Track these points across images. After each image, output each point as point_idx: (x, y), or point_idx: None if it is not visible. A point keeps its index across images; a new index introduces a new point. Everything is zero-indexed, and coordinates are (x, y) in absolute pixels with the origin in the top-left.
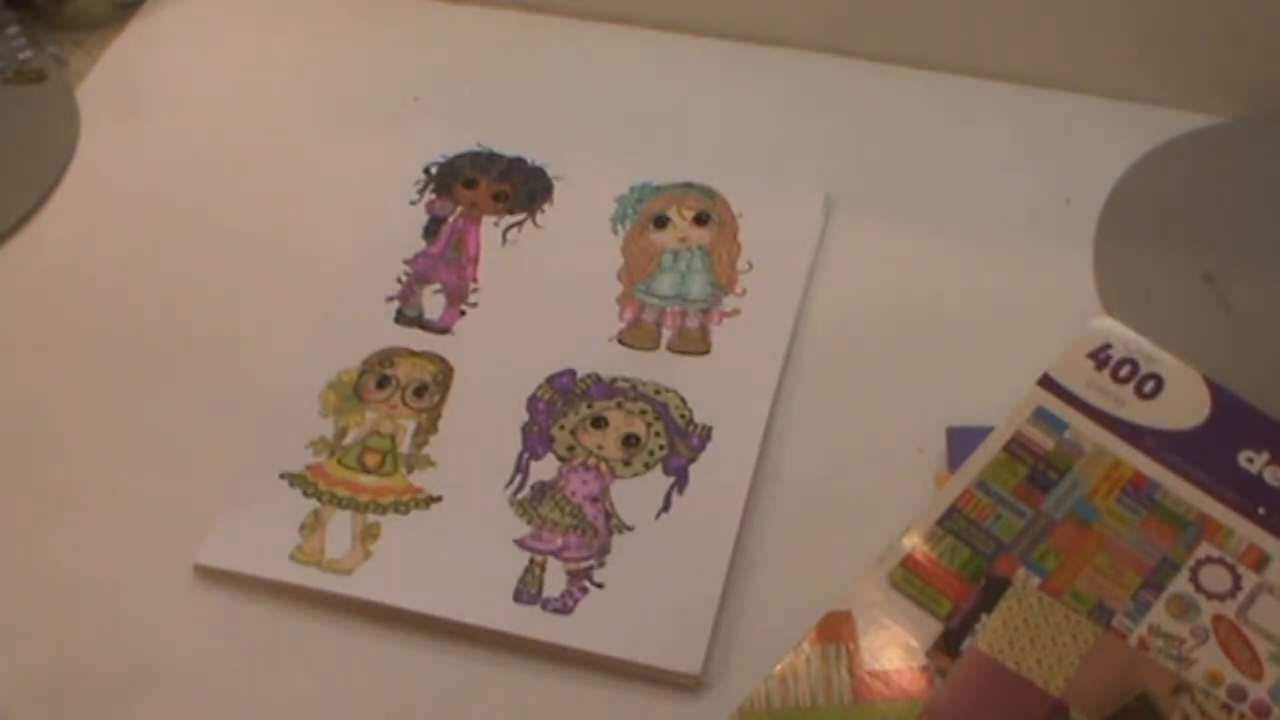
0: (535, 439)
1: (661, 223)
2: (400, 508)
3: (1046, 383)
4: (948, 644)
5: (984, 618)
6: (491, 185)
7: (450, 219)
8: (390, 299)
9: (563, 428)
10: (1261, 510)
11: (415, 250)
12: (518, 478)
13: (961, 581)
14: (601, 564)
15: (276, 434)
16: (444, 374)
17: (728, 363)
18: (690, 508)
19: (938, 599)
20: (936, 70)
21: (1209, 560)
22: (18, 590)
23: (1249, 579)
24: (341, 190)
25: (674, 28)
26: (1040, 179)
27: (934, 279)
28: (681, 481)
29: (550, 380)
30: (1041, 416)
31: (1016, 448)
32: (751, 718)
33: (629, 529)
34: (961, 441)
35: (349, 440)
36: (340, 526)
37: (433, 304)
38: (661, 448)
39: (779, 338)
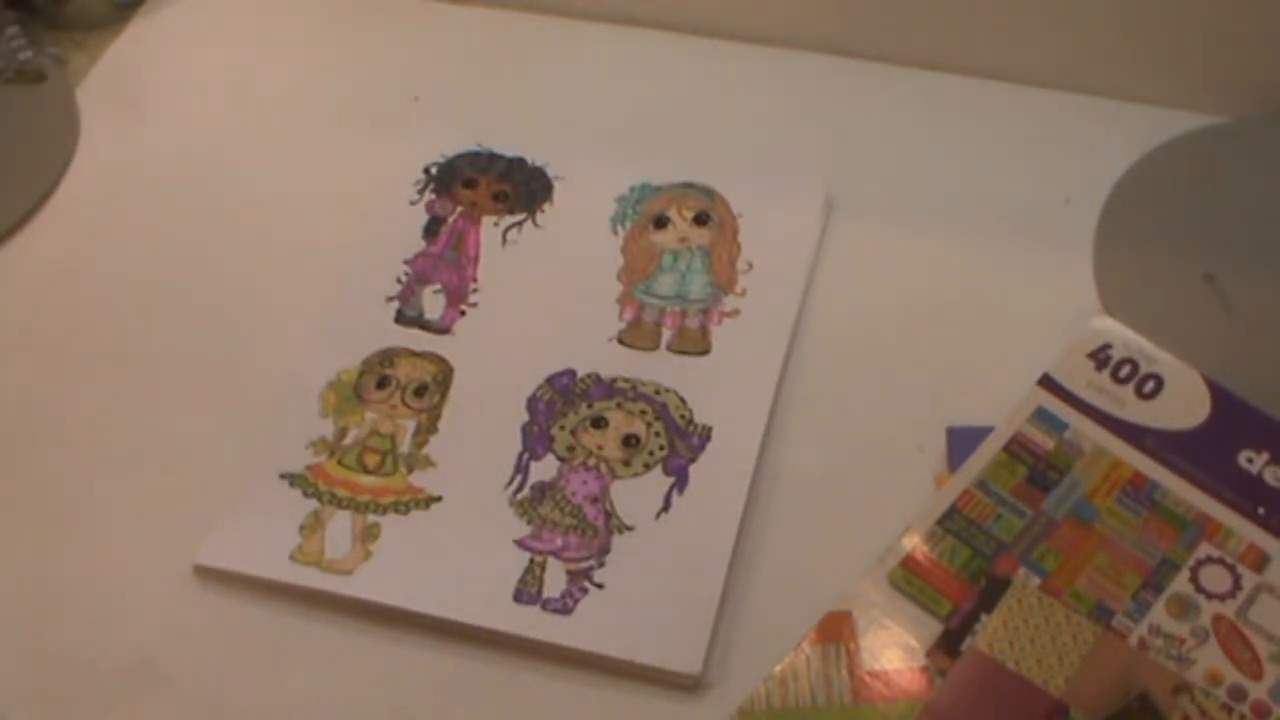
0: (535, 439)
1: (661, 223)
2: (400, 508)
3: (1046, 383)
4: (948, 644)
5: (984, 618)
6: (491, 185)
7: (450, 219)
8: (390, 299)
9: (563, 428)
10: (1261, 510)
11: (415, 250)
12: (518, 478)
13: (961, 581)
14: (601, 564)
15: (276, 434)
16: (444, 374)
17: (728, 363)
18: (690, 508)
19: (938, 599)
20: (936, 70)
21: (1209, 560)
22: (18, 590)
23: (1249, 579)
24: (341, 190)
25: (674, 28)
26: (1040, 179)
27: (934, 279)
28: (681, 481)
29: (550, 380)
30: (1041, 416)
31: (1016, 448)
32: (751, 718)
33: (629, 529)
34: (961, 441)
35: (349, 440)
36: (340, 526)
37: (433, 304)
38: (661, 448)
39: (779, 338)
